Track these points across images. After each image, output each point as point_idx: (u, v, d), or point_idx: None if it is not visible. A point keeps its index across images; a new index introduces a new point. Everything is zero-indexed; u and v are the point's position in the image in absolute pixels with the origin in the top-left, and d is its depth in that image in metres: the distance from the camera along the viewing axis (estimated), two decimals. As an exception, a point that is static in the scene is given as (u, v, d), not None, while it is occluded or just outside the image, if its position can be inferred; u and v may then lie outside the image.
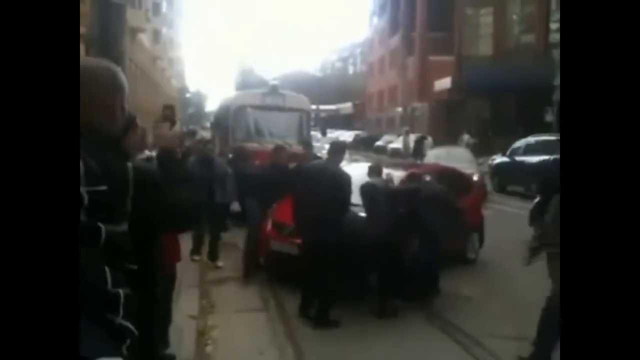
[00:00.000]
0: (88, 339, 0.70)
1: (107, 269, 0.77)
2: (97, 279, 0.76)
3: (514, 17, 29.00)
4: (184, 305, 5.09)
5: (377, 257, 5.54)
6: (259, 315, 5.53)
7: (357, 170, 8.42)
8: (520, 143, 15.75)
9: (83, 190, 0.76)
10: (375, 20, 52.03)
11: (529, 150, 14.75)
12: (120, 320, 0.78)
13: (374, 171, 6.13)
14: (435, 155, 13.54)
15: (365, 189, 5.75)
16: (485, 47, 29.11)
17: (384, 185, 5.90)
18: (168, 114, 6.84)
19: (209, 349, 4.58)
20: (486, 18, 29.68)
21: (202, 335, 4.79)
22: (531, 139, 15.41)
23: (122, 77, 1.46)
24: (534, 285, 5.51)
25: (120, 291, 0.79)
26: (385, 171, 6.32)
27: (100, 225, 0.78)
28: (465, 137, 22.22)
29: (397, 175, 6.56)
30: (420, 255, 5.85)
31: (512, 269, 6.67)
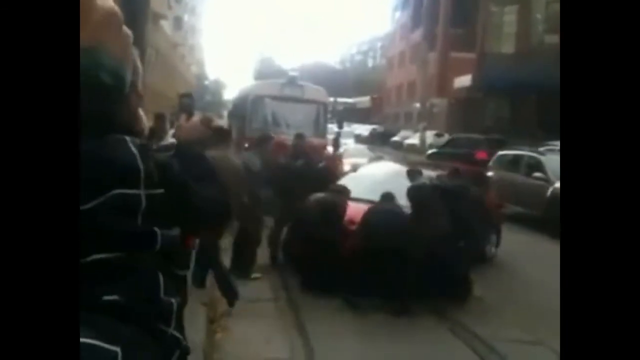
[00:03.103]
0: (136, 350, 0.66)
1: (160, 276, 0.74)
2: (151, 287, 0.73)
3: (538, 16, 28.54)
4: (195, 293, 5.13)
5: (425, 258, 5.52)
6: (269, 305, 5.56)
7: (380, 169, 8.41)
8: (454, 137, 21.51)
9: (142, 193, 0.73)
10: (398, 14, 51.64)
11: (458, 144, 19.46)
12: (171, 330, 0.75)
13: (415, 174, 6.15)
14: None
15: (413, 192, 5.74)
16: (507, 46, 28.72)
17: (432, 188, 5.89)
18: (185, 103, 6.13)
19: (218, 336, 4.62)
20: (510, 16, 29.24)
21: (212, 322, 4.83)
22: (459, 135, 21.39)
23: (137, 58, 1.38)
24: (549, 287, 5.46)
25: (173, 300, 0.76)
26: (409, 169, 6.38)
27: (157, 229, 0.75)
28: None
29: (428, 175, 6.57)
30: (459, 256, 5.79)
31: (527, 270, 6.63)
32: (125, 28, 0.77)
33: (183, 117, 6.11)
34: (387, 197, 5.83)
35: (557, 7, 26.32)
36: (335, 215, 5.78)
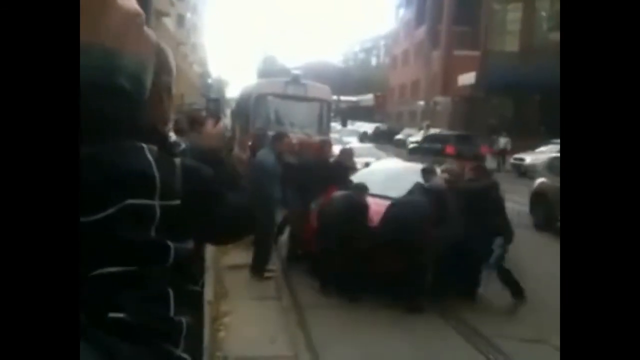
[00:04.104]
0: None
1: (171, 292, 0.69)
2: (159, 304, 0.69)
3: (543, 13, 28.44)
4: (199, 290, 5.13)
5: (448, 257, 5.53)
6: (272, 303, 5.57)
7: (391, 166, 8.41)
8: (428, 134, 24.68)
9: (157, 204, 0.68)
10: (401, 12, 51.56)
11: (432, 140, 22.53)
12: (179, 352, 0.70)
13: (429, 173, 6.15)
14: None
15: (433, 193, 5.75)
16: (511, 44, 28.64)
17: (447, 187, 5.90)
18: (211, 108, 5.87)
19: (221, 334, 4.62)
20: (514, 14, 29.15)
21: (215, 320, 4.83)
22: (433, 133, 24.48)
23: (172, 58, 1.23)
24: (551, 285, 5.45)
25: (183, 319, 0.70)
26: (419, 167, 6.37)
27: (170, 243, 0.70)
28: (502, 140, 21.77)
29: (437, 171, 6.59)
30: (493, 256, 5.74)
31: (531, 268, 6.60)
32: (147, 29, 0.72)
33: (210, 122, 6.00)
34: (413, 190, 5.83)
35: (561, 4, 26.18)
36: (361, 212, 5.76)
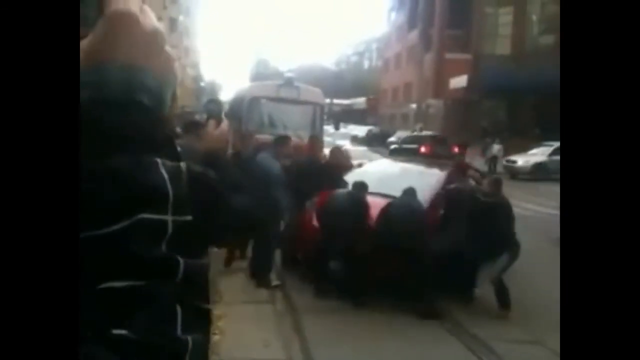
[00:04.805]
0: None
1: (178, 309, 0.69)
2: (165, 322, 0.67)
3: (534, 17, 28.65)
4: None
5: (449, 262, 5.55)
6: (266, 307, 5.55)
7: (386, 166, 8.40)
8: (405, 136, 27.74)
9: (169, 219, 0.68)
10: (393, 15, 51.77)
11: (410, 141, 25.11)
12: None
13: (462, 174, 6.21)
14: None
15: (452, 195, 5.83)
16: (503, 47, 28.82)
17: (470, 196, 5.90)
18: (213, 109, 5.80)
19: (215, 338, 4.60)
20: (505, 17, 29.35)
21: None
22: (411, 134, 27.75)
23: (175, 64, 1.27)
24: (546, 288, 5.47)
25: (189, 338, 0.69)
26: (418, 168, 6.38)
27: (179, 258, 0.70)
28: (496, 147, 21.67)
29: (434, 173, 6.62)
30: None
31: (525, 271, 6.63)
32: (168, 49, 0.75)
33: (212, 123, 5.77)
34: (408, 192, 5.78)
35: (552, 8, 26.42)
36: (362, 211, 5.73)
